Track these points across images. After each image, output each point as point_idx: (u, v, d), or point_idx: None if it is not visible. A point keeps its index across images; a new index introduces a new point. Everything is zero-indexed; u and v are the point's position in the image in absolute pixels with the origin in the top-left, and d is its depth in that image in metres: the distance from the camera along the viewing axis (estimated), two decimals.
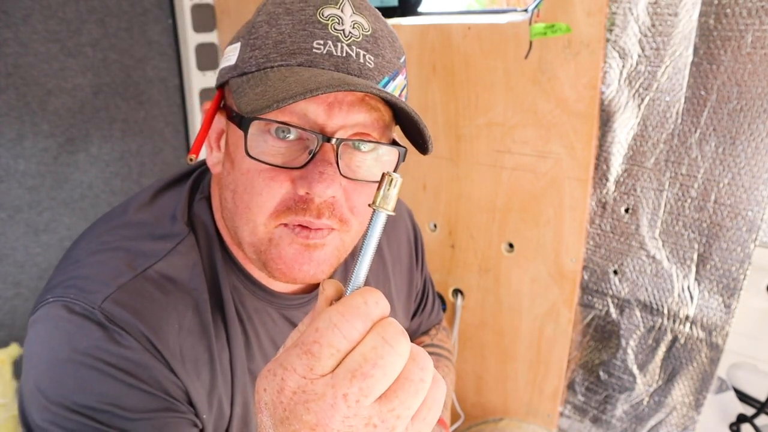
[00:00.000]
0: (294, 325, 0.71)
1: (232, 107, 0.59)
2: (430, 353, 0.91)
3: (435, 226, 1.28)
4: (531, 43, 1.01)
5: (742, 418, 0.97)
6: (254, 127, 0.54)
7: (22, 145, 1.36)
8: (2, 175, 1.34)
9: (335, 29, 0.55)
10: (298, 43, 0.54)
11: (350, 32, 0.56)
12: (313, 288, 0.73)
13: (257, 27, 0.56)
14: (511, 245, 1.16)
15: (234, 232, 0.61)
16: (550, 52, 1.00)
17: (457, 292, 1.28)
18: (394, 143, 0.60)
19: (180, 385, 0.60)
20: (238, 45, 0.58)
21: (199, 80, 1.58)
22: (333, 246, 0.59)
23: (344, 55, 0.55)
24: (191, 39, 1.54)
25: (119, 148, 1.53)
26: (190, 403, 0.61)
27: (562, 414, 1.20)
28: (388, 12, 1.27)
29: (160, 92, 1.58)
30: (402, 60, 0.61)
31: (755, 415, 0.95)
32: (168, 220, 0.64)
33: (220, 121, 0.63)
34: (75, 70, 1.41)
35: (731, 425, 0.99)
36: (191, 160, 0.61)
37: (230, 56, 0.59)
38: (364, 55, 0.56)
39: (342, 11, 0.56)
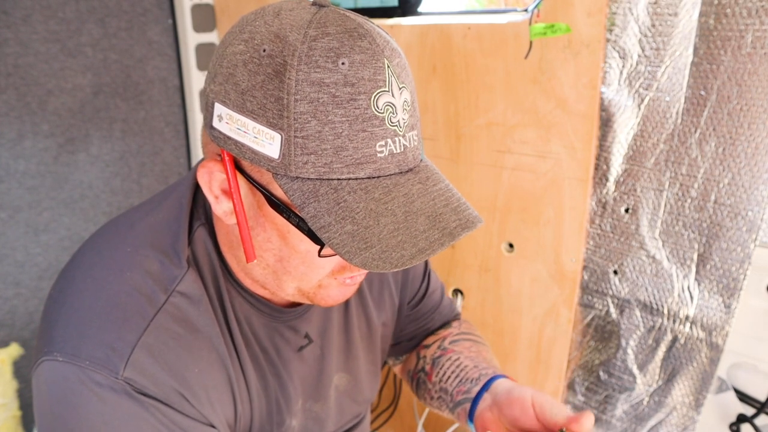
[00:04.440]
0: (297, 331, 0.73)
1: (272, 193, 0.53)
2: (464, 339, 0.89)
3: None
4: (531, 43, 1.01)
5: (742, 418, 0.97)
6: None
7: (22, 145, 1.36)
8: (2, 175, 1.34)
9: (391, 123, 0.50)
10: (362, 149, 0.49)
11: (402, 119, 0.51)
12: None
13: (302, 121, 0.48)
14: (511, 245, 1.16)
15: (272, 281, 0.61)
16: (550, 52, 1.00)
17: (457, 292, 1.28)
18: None
19: (212, 426, 0.61)
20: (274, 134, 0.49)
21: (199, 80, 1.58)
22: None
23: (402, 150, 0.52)
24: (191, 39, 1.54)
25: (119, 148, 1.53)
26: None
27: None
28: (388, 12, 1.27)
29: (160, 92, 1.58)
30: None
31: (755, 415, 0.95)
32: (167, 257, 0.60)
33: (221, 173, 0.55)
34: (75, 70, 1.41)
35: (731, 425, 0.99)
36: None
37: (259, 139, 0.49)
38: (412, 136, 0.53)
39: (392, 94, 0.50)
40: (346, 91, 0.48)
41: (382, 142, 0.50)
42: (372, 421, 1.46)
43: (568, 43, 0.98)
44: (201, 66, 1.57)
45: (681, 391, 1.02)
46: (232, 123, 0.51)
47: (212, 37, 1.58)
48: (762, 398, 0.96)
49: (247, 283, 0.65)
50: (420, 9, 1.24)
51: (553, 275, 1.11)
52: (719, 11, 0.84)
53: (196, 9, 1.53)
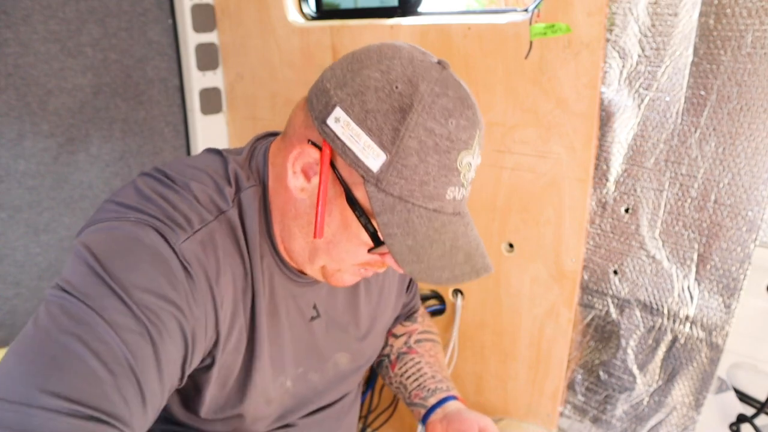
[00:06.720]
0: (308, 301, 0.79)
1: (353, 192, 0.63)
2: (426, 339, 1.02)
3: None
4: (531, 43, 1.01)
5: (742, 418, 0.97)
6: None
7: (22, 145, 1.36)
8: (2, 175, 1.34)
9: (464, 177, 0.63)
10: (438, 188, 0.62)
11: (471, 176, 0.65)
12: None
13: (407, 153, 0.59)
14: (511, 245, 1.16)
15: (306, 256, 0.70)
16: (550, 52, 1.00)
17: (457, 292, 1.28)
18: None
19: (213, 328, 0.67)
20: (381, 153, 0.60)
21: (199, 80, 1.58)
22: None
23: (461, 198, 0.64)
24: (191, 39, 1.54)
25: (119, 148, 1.53)
26: (215, 344, 0.68)
27: (562, 414, 1.20)
28: (388, 12, 1.27)
29: (160, 92, 1.58)
30: None
31: (755, 415, 0.95)
32: (218, 192, 0.69)
33: (313, 157, 0.64)
34: (75, 70, 1.41)
35: (731, 425, 0.99)
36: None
37: (366, 151, 0.60)
38: (468, 189, 0.66)
39: (473, 156, 0.63)
40: (446, 144, 0.60)
41: (452, 188, 0.62)
42: (372, 422, 1.46)
43: (568, 43, 0.98)
44: (201, 66, 1.57)
45: (681, 391, 1.02)
46: (347, 129, 0.61)
47: (212, 37, 1.58)
48: (762, 398, 0.96)
49: (280, 248, 0.73)
50: (420, 9, 1.24)
51: (553, 275, 1.11)
52: (719, 11, 0.84)
53: (196, 9, 1.53)
